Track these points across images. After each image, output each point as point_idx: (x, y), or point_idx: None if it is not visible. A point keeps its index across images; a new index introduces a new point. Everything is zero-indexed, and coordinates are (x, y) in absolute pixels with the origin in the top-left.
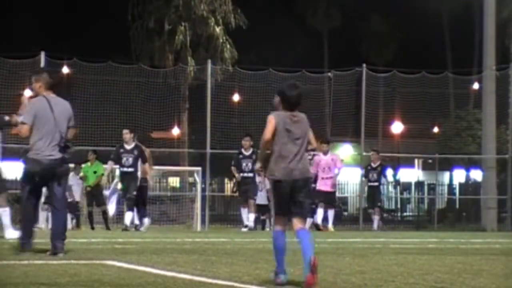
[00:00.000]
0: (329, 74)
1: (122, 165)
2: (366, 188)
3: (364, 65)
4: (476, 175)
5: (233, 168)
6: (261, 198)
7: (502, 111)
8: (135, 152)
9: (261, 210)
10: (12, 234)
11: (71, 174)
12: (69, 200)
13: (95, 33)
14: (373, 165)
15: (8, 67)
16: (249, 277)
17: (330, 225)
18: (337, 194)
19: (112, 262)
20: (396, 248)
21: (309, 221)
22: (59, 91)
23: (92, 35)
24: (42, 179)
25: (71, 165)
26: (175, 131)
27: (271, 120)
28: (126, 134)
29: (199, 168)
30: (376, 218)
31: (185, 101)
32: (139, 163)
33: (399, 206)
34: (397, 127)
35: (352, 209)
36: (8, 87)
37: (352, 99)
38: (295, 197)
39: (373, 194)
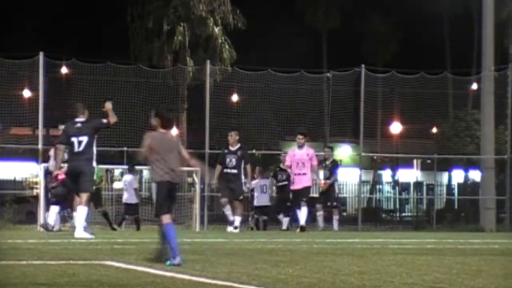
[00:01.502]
0: (328, 74)
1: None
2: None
3: (363, 65)
4: (475, 175)
5: (218, 166)
6: (264, 199)
7: (500, 111)
8: None
9: (263, 211)
10: (81, 234)
11: (131, 176)
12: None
13: (94, 33)
14: (327, 162)
15: (7, 67)
16: (248, 277)
17: (302, 223)
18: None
19: (111, 263)
20: (395, 248)
21: (285, 221)
22: (59, 91)
23: (91, 35)
24: None
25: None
26: (174, 132)
27: (145, 141)
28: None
29: (198, 169)
30: (334, 218)
31: (184, 102)
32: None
33: (397, 206)
34: (396, 128)
35: (351, 210)
36: (7, 88)
37: (351, 100)
38: (170, 197)
39: (326, 192)
